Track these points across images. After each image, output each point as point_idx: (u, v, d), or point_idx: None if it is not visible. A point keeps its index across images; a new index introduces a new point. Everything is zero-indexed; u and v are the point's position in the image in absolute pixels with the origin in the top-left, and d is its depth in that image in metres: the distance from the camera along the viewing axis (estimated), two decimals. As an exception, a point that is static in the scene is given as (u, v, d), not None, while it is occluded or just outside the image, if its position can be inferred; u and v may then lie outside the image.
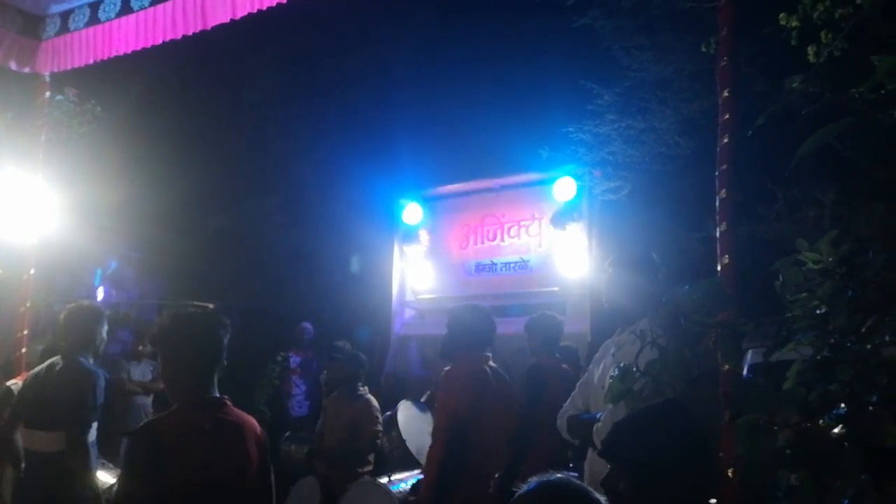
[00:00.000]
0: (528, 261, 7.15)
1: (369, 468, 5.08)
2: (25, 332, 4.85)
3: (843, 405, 1.85)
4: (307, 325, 7.83)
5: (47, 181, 5.07)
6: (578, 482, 1.60)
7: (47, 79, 5.14)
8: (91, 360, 3.89)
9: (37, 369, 3.90)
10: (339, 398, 5.26)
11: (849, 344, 1.88)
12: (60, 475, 3.60)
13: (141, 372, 6.96)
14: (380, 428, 5.08)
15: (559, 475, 1.57)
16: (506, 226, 7.33)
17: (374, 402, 5.19)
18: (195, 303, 9.03)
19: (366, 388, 5.28)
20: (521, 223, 7.24)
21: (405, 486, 4.31)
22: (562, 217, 6.63)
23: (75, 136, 5.57)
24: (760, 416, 1.88)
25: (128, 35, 4.57)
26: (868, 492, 1.68)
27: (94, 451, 3.77)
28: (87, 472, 3.60)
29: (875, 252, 1.94)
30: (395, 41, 9.30)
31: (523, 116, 7.44)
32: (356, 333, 7.71)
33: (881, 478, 1.66)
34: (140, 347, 7.12)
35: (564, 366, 4.65)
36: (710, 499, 1.98)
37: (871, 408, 1.77)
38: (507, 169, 7.33)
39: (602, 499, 1.55)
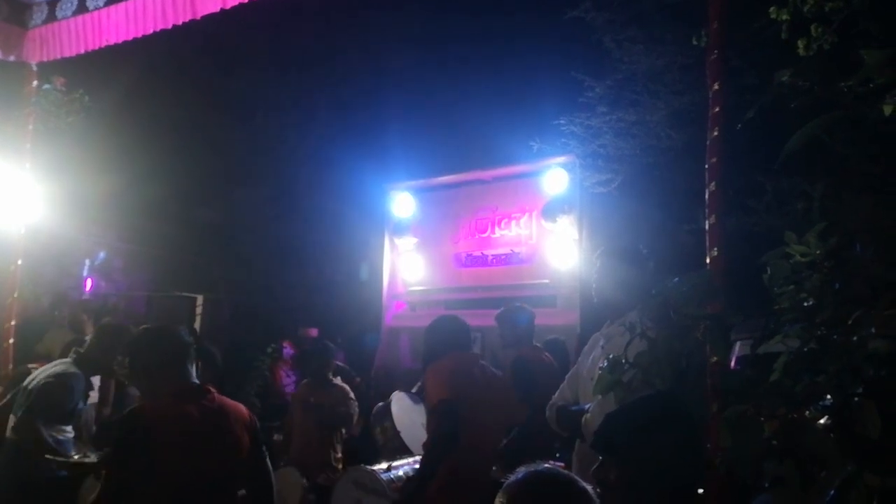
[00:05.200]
0: (518, 253, 7.15)
1: (340, 455, 5.23)
2: (13, 323, 4.83)
3: (829, 396, 1.87)
4: (312, 332, 7.83)
5: (35, 171, 5.02)
6: (565, 472, 1.62)
7: (34, 68, 5.09)
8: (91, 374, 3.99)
9: (45, 365, 4.01)
10: (310, 386, 5.36)
11: (835, 336, 1.90)
12: (27, 460, 3.66)
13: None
14: (354, 412, 5.24)
15: (547, 465, 1.59)
16: (497, 218, 7.33)
17: (349, 390, 5.34)
18: (184, 294, 9.01)
19: (338, 377, 5.43)
20: (512, 215, 7.23)
21: (401, 474, 4.32)
22: (553, 209, 6.64)
23: (63, 126, 5.52)
24: (747, 408, 1.90)
25: (117, 24, 4.51)
26: (853, 482, 1.70)
27: (65, 447, 3.81)
28: (41, 455, 3.64)
29: (862, 245, 1.96)
30: (387, 33, 9.26)
31: (515, 108, 7.45)
32: (364, 340, 7.67)
33: (866, 468, 1.68)
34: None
35: (546, 355, 4.67)
36: (698, 489, 2.00)
37: (856, 399, 1.79)
38: (498, 161, 7.32)
39: (588, 487, 1.56)
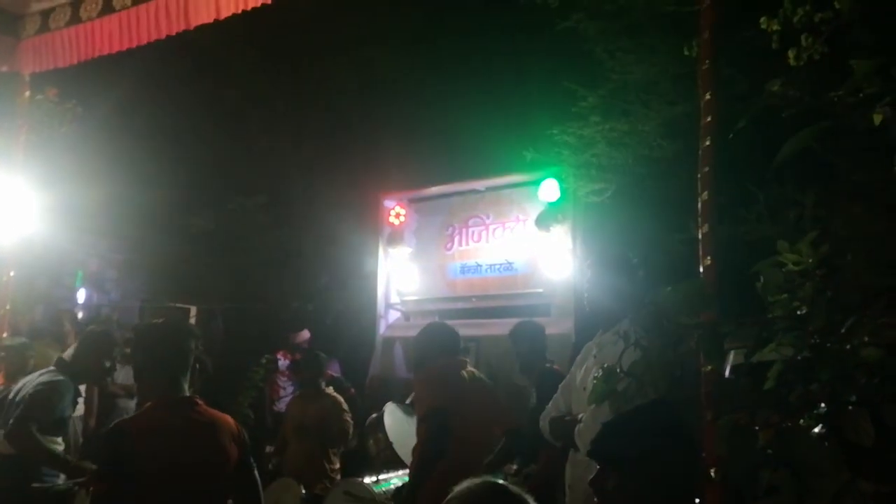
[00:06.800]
0: (512, 262, 7.15)
1: (337, 466, 5.17)
2: (5, 335, 4.81)
3: (822, 405, 1.87)
4: (305, 334, 7.78)
5: (27, 182, 5.01)
6: (512, 486, 1.63)
7: (27, 78, 5.08)
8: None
9: (30, 376, 3.97)
10: (303, 398, 5.36)
11: (828, 344, 1.90)
12: (17, 476, 3.65)
13: (125, 374, 6.89)
14: (349, 420, 5.21)
15: (492, 479, 1.62)
16: (490, 227, 7.33)
17: (342, 400, 5.33)
18: (177, 304, 8.98)
19: (330, 387, 5.44)
20: (506, 225, 7.24)
21: (390, 487, 4.32)
22: (546, 219, 6.65)
23: (56, 137, 5.51)
24: (741, 416, 1.90)
25: (111, 35, 4.52)
26: (848, 490, 1.70)
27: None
28: (40, 462, 3.63)
29: (854, 253, 1.97)
30: (380, 42, 9.28)
31: (508, 118, 7.46)
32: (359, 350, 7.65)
33: (860, 476, 1.69)
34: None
35: (556, 367, 4.67)
36: (695, 498, 2.00)
37: (850, 407, 1.80)
38: (492, 171, 7.34)
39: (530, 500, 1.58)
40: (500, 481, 1.64)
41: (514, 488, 1.61)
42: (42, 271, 7.64)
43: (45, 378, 3.79)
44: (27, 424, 3.62)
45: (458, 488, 1.59)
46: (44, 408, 3.68)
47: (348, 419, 5.24)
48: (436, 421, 3.47)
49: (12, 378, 4.20)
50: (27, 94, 5.13)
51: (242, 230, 9.86)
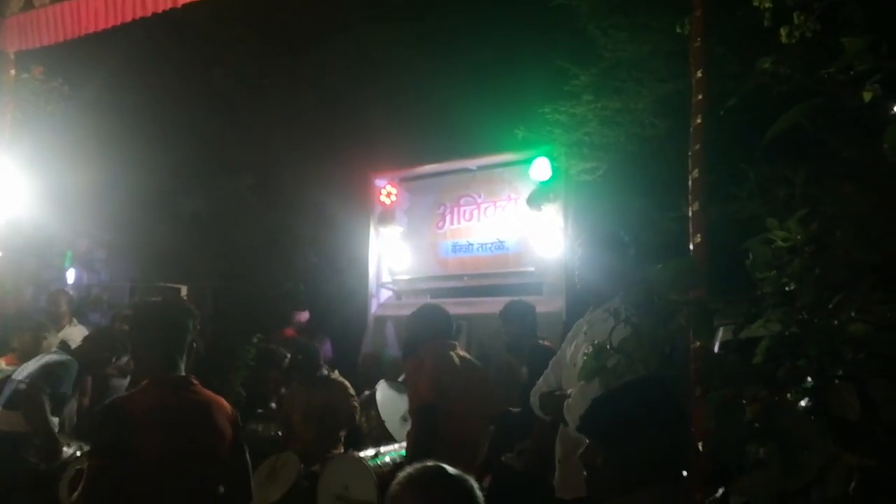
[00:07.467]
0: (504, 241, 7.16)
1: (340, 447, 5.20)
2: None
3: (809, 379, 1.90)
4: (305, 314, 7.79)
5: (14, 162, 4.96)
6: (452, 469, 1.66)
7: (12, 56, 5.01)
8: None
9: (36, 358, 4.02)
10: (306, 385, 5.36)
11: (816, 320, 1.92)
12: (7, 452, 3.71)
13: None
14: (356, 404, 5.24)
15: (435, 463, 1.65)
16: (482, 206, 7.33)
17: (347, 385, 5.35)
18: (167, 284, 8.95)
19: (336, 371, 5.45)
20: (498, 203, 7.24)
21: (388, 460, 4.33)
22: (538, 197, 6.65)
23: (43, 116, 5.45)
24: (729, 392, 1.93)
25: (97, 12, 4.45)
26: (835, 463, 1.73)
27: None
28: (39, 433, 3.66)
29: (842, 231, 1.99)
30: (371, 19, 9.19)
31: (500, 97, 7.43)
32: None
33: (845, 449, 1.72)
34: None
35: (548, 343, 4.70)
36: (683, 472, 2.03)
37: (836, 382, 1.82)
38: (484, 149, 7.32)
39: (473, 484, 1.60)
40: (442, 465, 1.66)
41: (455, 471, 1.64)
42: (31, 252, 7.59)
43: (53, 357, 3.87)
44: (39, 393, 3.68)
45: (399, 474, 1.62)
46: (59, 380, 3.76)
47: (355, 403, 5.27)
48: (425, 418, 3.51)
49: (26, 359, 4.21)
50: (12, 72, 5.06)
51: (232, 210, 9.82)
